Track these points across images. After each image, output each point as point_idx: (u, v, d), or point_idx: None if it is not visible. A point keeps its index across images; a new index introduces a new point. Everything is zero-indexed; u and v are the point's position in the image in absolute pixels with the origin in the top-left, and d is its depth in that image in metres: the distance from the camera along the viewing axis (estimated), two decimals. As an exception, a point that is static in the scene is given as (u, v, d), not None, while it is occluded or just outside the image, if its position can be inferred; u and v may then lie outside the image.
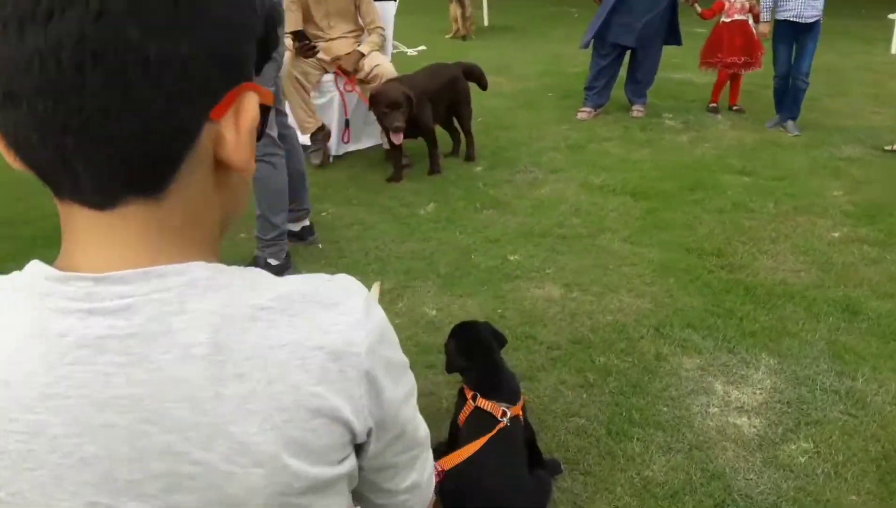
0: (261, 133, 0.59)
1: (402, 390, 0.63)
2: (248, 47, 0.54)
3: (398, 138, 4.06)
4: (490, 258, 3.31)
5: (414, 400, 0.67)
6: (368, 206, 3.96)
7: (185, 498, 0.52)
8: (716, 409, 2.29)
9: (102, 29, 0.46)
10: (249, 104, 0.55)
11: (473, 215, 3.82)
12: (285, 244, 3.21)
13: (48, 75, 0.46)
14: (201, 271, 0.54)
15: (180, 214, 0.55)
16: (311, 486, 0.56)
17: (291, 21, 4.50)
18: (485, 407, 1.82)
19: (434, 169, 4.41)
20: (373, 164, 4.62)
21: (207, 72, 0.50)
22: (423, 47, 8.86)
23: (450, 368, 2.02)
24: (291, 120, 3.92)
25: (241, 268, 0.58)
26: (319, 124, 4.56)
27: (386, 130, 4.13)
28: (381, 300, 2.91)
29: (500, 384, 1.88)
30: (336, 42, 4.66)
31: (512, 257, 3.31)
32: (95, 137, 0.48)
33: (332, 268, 3.25)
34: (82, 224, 0.54)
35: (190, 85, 0.50)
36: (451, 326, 2.14)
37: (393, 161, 4.36)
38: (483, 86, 4.79)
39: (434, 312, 2.88)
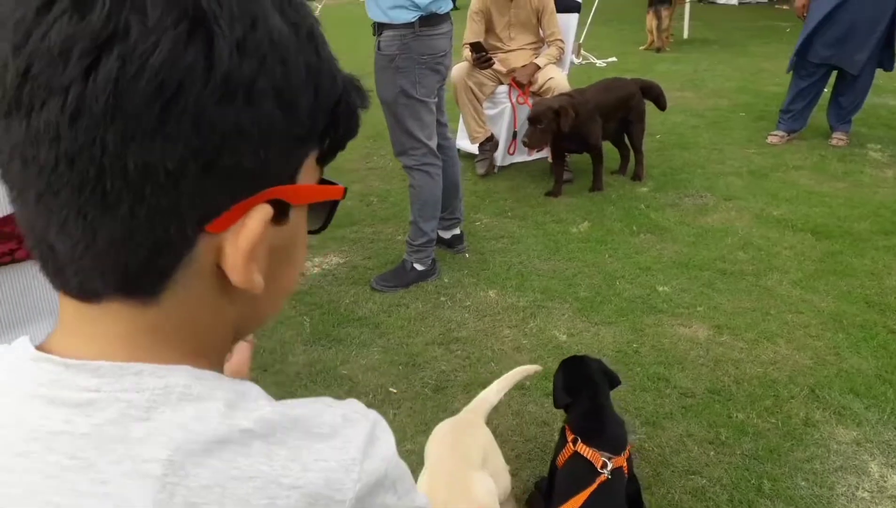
0: (321, 229, 0.56)
1: None
2: (268, 153, 0.46)
3: (533, 152, 4.05)
4: (636, 287, 3.14)
5: None
6: (521, 219, 3.92)
7: None
8: (866, 493, 1.99)
9: (77, 131, 0.41)
10: (253, 221, 0.46)
11: (628, 238, 3.64)
12: (432, 251, 3.26)
13: (28, 171, 0.43)
14: (182, 377, 0.47)
15: (175, 320, 0.48)
16: None
17: (473, 32, 4.57)
18: (584, 454, 1.71)
19: (596, 186, 4.27)
20: (535, 177, 4.57)
21: (201, 184, 0.44)
22: (613, 59, 8.62)
23: (555, 403, 1.94)
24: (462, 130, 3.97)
25: (235, 380, 0.50)
26: (488, 134, 4.59)
27: (524, 143, 4.09)
28: (513, 317, 2.87)
29: (602, 430, 1.76)
30: (514, 53, 4.66)
31: (661, 289, 3.11)
32: (76, 240, 0.44)
33: (474, 278, 3.26)
34: (68, 310, 0.49)
35: (177, 197, 0.43)
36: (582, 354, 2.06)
37: (554, 175, 4.28)
38: (661, 105, 4.55)
39: (564, 337, 2.78)
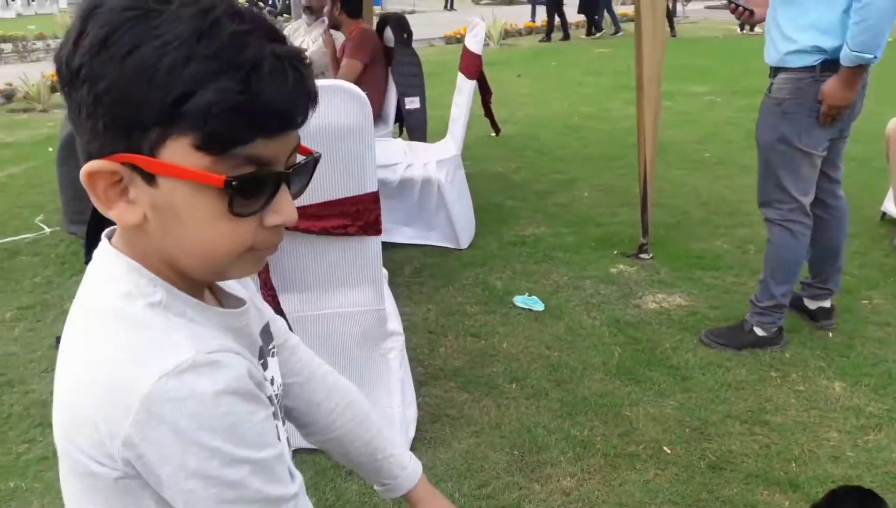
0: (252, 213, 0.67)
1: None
2: (106, 129, 0.62)
3: None
4: None
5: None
6: (929, 310, 3.18)
7: None
8: None
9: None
10: (91, 164, 0.64)
11: None
12: (780, 318, 2.90)
13: None
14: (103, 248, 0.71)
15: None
16: None
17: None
18: None
19: None
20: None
21: (84, 132, 0.64)
22: None
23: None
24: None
25: (126, 268, 0.69)
26: (921, 200, 3.81)
27: None
28: (851, 422, 2.43)
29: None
30: None
31: None
32: None
33: (824, 362, 2.80)
34: None
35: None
36: None
37: None
38: None
39: (909, 465, 2.22)
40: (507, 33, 14.85)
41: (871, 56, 2.42)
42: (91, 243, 0.76)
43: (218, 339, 0.68)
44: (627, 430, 2.45)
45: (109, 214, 0.66)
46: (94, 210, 0.72)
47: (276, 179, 0.66)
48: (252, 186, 0.65)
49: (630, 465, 2.28)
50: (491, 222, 4.46)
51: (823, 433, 2.40)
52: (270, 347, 0.87)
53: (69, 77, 0.62)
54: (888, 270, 3.62)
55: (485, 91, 4.29)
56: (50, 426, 2.08)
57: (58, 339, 2.93)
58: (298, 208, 0.71)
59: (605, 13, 14.77)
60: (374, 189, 2.05)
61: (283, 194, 0.68)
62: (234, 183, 0.63)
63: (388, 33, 4.63)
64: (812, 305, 3.09)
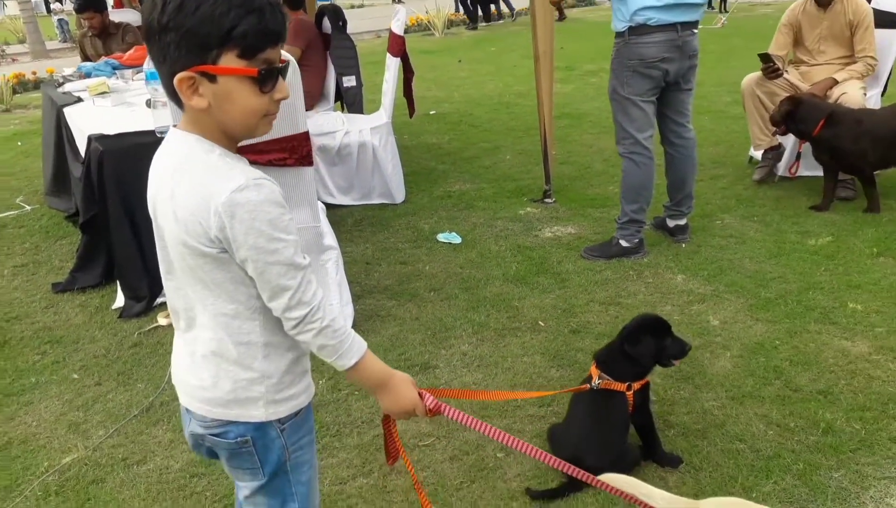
0: (271, 88, 1.20)
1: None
2: (186, 49, 1.09)
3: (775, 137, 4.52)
4: (828, 299, 3.12)
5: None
6: (765, 225, 3.99)
7: None
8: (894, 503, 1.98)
9: None
10: (181, 75, 1.10)
11: (863, 258, 3.49)
12: (637, 232, 3.66)
13: None
14: (175, 132, 1.23)
15: (191, 117, 1.18)
16: None
17: (778, 44, 4.68)
18: (591, 372, 2.18)
19: (871, 207, 4.04)
20: (814, 191, 4.43)
21: (165, 56, 1.11)
22: None
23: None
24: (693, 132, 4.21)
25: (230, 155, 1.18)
26: (774, 144, 4.62)
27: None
28: (682, 299, 3.18)
29: (613, 363, 2.18)
30: (820, 67, 4.60)
31: (852, 306, 3.05)
32: None
33: (673, 263, 3.58)
34: None
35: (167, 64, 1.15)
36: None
37: (824, 189, 4.17)
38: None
39: (717, 322, 3.00)
40: (451, 23, 15.59)
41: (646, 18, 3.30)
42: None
43: (257, 172, 1.18)
44: (514, 314, 3.19)
45: (189, 103, 1.14)
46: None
47: (278, 71, 1.17)
48: (269, 75, 1.15)
49: (513, 334, 3.03)
50: (424, 182, 5.18)
51: (661, 307, 3.17)
52: None
53: (158, 30, 1.10)
54: (743, 199, 4.42)
55: (407, 71, 4.98)
56: (56, 342, 2.98)
57: (54, 285, 3.72)
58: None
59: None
60: (306, 129, 2.73)
61: (281, 80, 1.19)
62: (262, 72, 1.14)
63: (326, 22, 5.31)
64: (671, 223, 3.87)
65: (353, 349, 1.26)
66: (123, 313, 3.42)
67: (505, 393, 2.58)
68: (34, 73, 11.53)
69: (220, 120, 1.17)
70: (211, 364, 1.27)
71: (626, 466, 2.09)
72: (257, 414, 1.28)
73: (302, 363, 1.34)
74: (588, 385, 2.13)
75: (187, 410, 1.34)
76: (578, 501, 2.08)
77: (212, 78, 1.12)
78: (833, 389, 2.51)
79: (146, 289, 3.46)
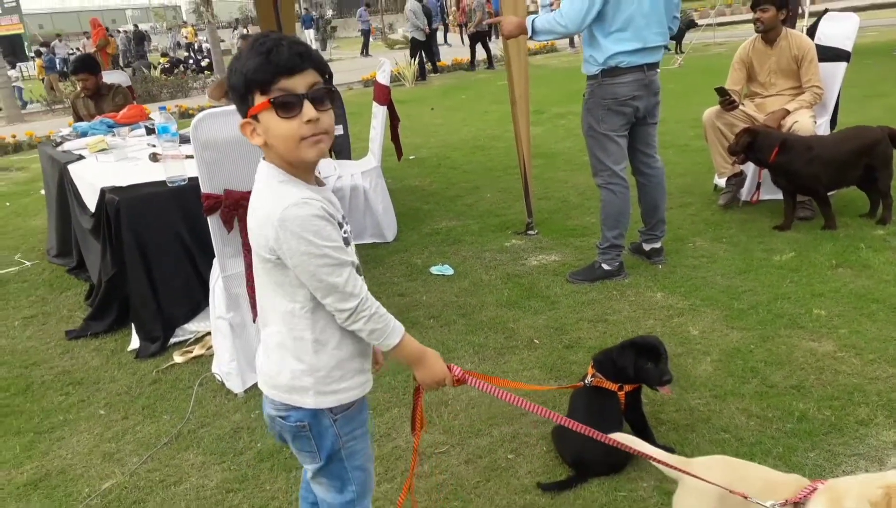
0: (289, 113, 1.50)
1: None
2: (239, 101, 1.39)
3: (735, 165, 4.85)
4: (794, 306, 3.42)
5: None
6: (733, 246, 4.31)
7: None
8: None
9: None
10: (244, 122, 1.40)
11: (824, 270, 3.82)
12: (618, 256, 3.96)
13: None
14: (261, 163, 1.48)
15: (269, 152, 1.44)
16: None
17: (733, 79, 5.08)
18: (588, 371, 2.44)
19: (827, 225, 4.40)
20: (776, 214, 4.78)
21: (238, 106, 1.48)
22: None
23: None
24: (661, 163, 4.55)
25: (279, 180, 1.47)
26: (736, 172, 4.99)
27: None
28: (663, 313, 3.46)
29: (609, 365, 2.44)
30: (772, 98, 5.00)
31: (816, 311, 3.35)
32: None
33: (652, 282, 3.87)
34: None
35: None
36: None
37: (784, 210, 4.53)
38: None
39: (696, 332, 3.28)
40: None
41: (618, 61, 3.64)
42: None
43: (309, 193, 1.39)
44: (511, 335, 3.44)
45: (253, 142, 1.41)
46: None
47: (297, 97, 1.35)
48: (284, 101, 1.34)
49: (511, 352, 3.27)
50: (411, 221, 5.45)
51: (644, 321, 3.45)
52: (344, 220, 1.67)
53: (229, 87, 1.47)
54: (711, 223, 4.76)
55: (393, 118, 5.30)
56: (77, 383, 3.26)
57: (67, 332, 3.95)
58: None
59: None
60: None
61: (307, 104, 1.35)
62: (275, 100, 1.34)
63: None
64: (647, 246, 4.18)
65: (396, 331, 1.49)
66: (139, 354, 3.60)
67: (517, 384, 2.82)
68: (13, 136, 11.72)
69: (275, 151, 1.40)
70: (276, 355, 1.51)
71: (621, 457, 2.33)
72: (308, 402, 1.50)
73: (353, 363, 1.54)
74: (581, 383, 2.40)
75: (265, 395, 1.57)
76: (585, 491, 2.31)
77: (255, 118, 1.37)
78: (804, 383, 2.79)
79: (160, 330, 3.65)
